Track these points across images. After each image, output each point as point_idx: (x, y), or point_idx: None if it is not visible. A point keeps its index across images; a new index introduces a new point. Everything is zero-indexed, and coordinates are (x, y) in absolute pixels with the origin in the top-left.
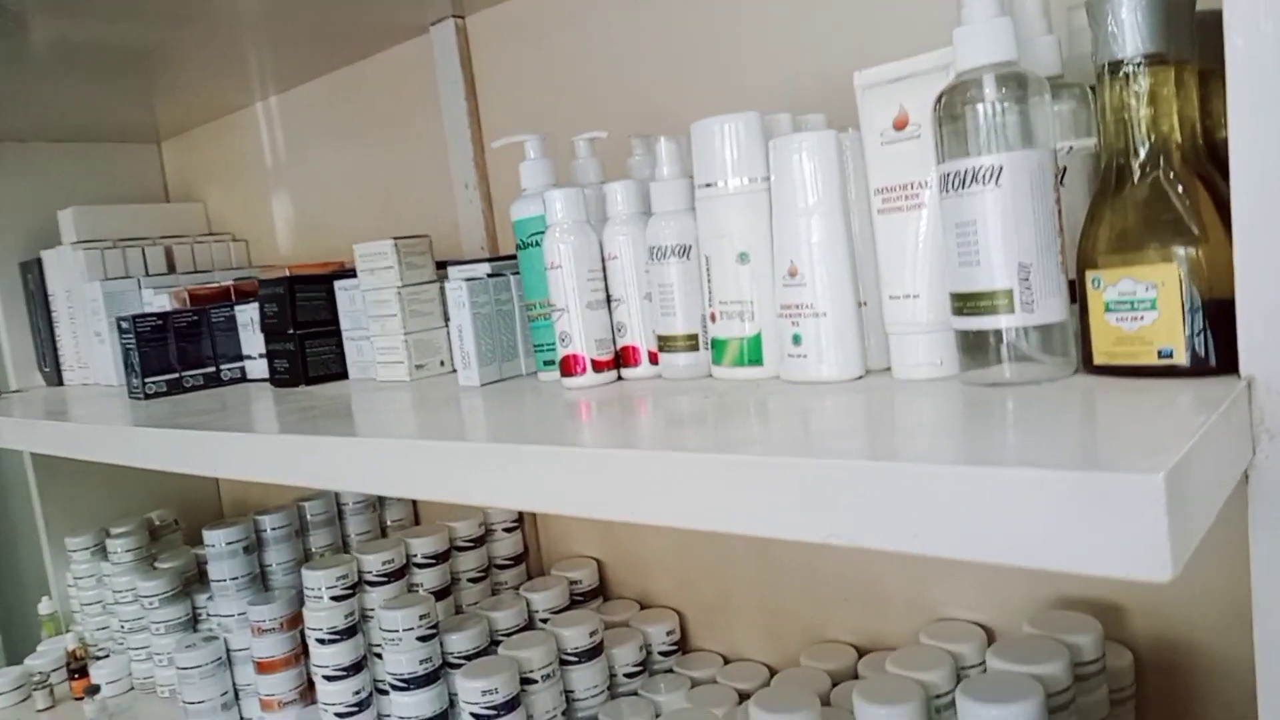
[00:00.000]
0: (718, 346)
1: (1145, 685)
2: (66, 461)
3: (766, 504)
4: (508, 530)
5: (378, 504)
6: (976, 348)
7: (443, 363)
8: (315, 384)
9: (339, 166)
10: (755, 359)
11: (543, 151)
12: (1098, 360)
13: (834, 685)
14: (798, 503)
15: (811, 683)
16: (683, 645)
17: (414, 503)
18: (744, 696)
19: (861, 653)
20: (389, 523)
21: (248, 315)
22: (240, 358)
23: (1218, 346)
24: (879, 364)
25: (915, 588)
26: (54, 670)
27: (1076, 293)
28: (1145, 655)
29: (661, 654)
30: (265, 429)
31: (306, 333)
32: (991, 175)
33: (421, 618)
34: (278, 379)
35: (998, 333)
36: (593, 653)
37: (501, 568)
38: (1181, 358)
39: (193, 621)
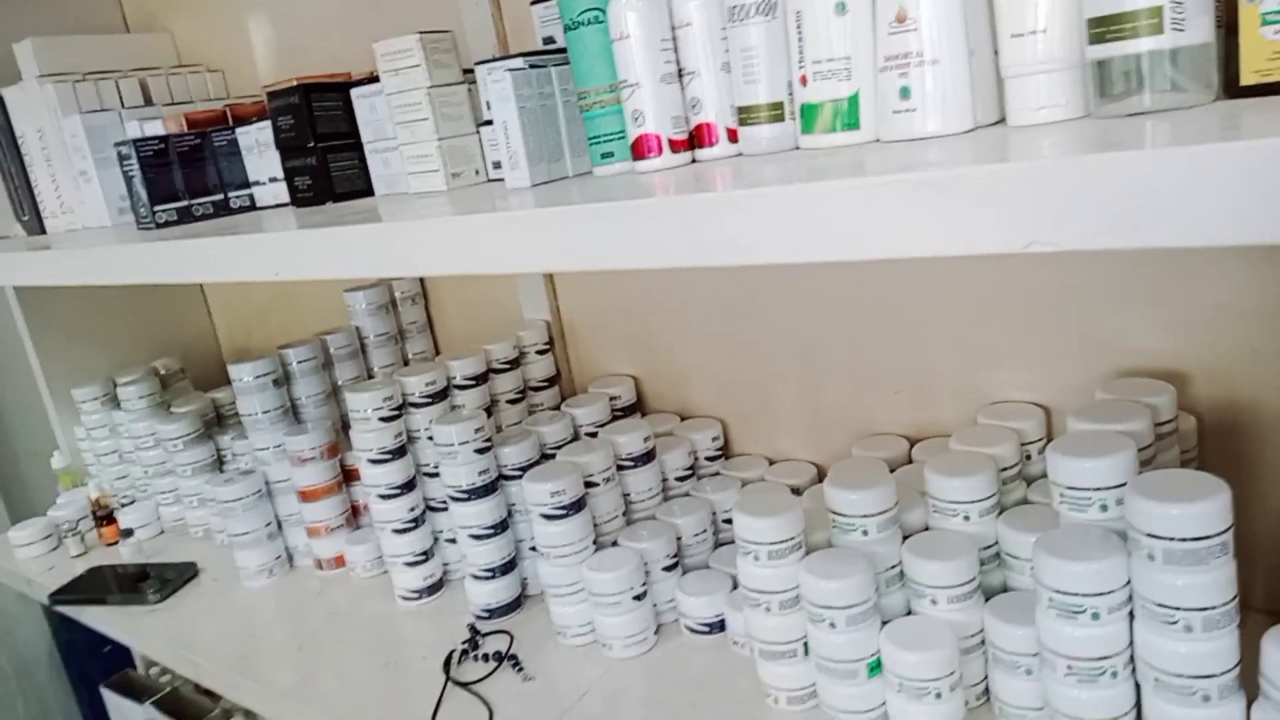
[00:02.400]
0: (808, 113)
1: (1206, 448)
2: (61, 315)
3: (961, 219)
4: (540, 353)
5: (399, 337)
6: (1115, 76)
7: (477, 171)
8: (342, 200)
9: None
10: (852, 123)
11: None
12: (1246, 80)
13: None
14: (994, 214)
15: (874, 466)
16: (726, 452)
17: (433, 336)
18: (796, 490)
19: (913, 443)
20: (411, 356)
21: (251, 138)
22: (247, 184)
23: None
24: (989, 118)
25: (965, 375)
26: (80, 520)
27: (1222, 18)
28: (1207, 419)
29: (708, 459)
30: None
31: (328, 145)
32: None
33: (476, 431)
34: (300, 198)
35: (1141, 57)
36: (647, 457)
37: (536, 389)
38: None
39: (218, 462)
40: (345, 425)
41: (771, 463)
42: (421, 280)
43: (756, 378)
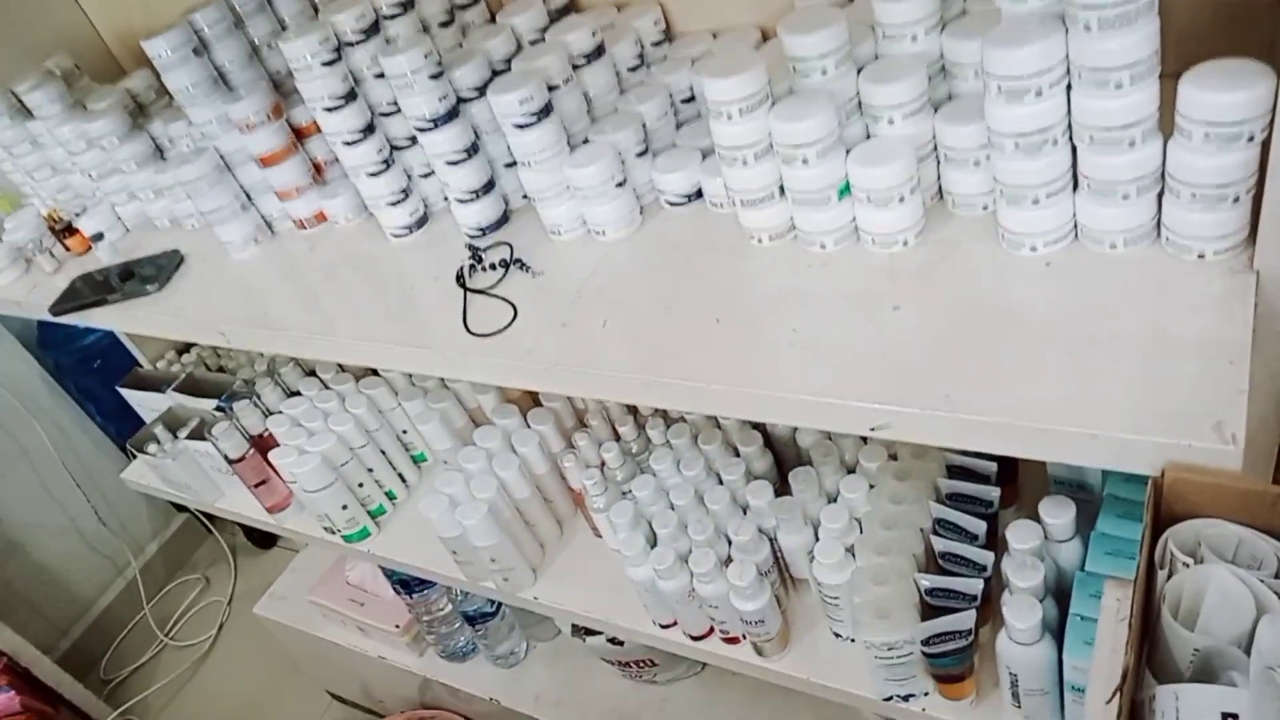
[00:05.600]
0: None
1: None
2: None
3: None
4: None
5: None
6: None
7: None
8: None
9: None
10: None
11: None
12: None
13: None
14: None
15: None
16: (669, 34)
17: None
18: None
19: None
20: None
21: None
22: None
23: None
24: None
25: None
26: (40, 238)
27: None
28: None
29: (654, 45)
30: None
31: None
32: None
33: (426, 56)
34: None
35: None
36: (598, 52)
37: (463, 7)
38: None
39: (159, 151)
40: (276, 84)
41: (715, 36)
42: None
43: None
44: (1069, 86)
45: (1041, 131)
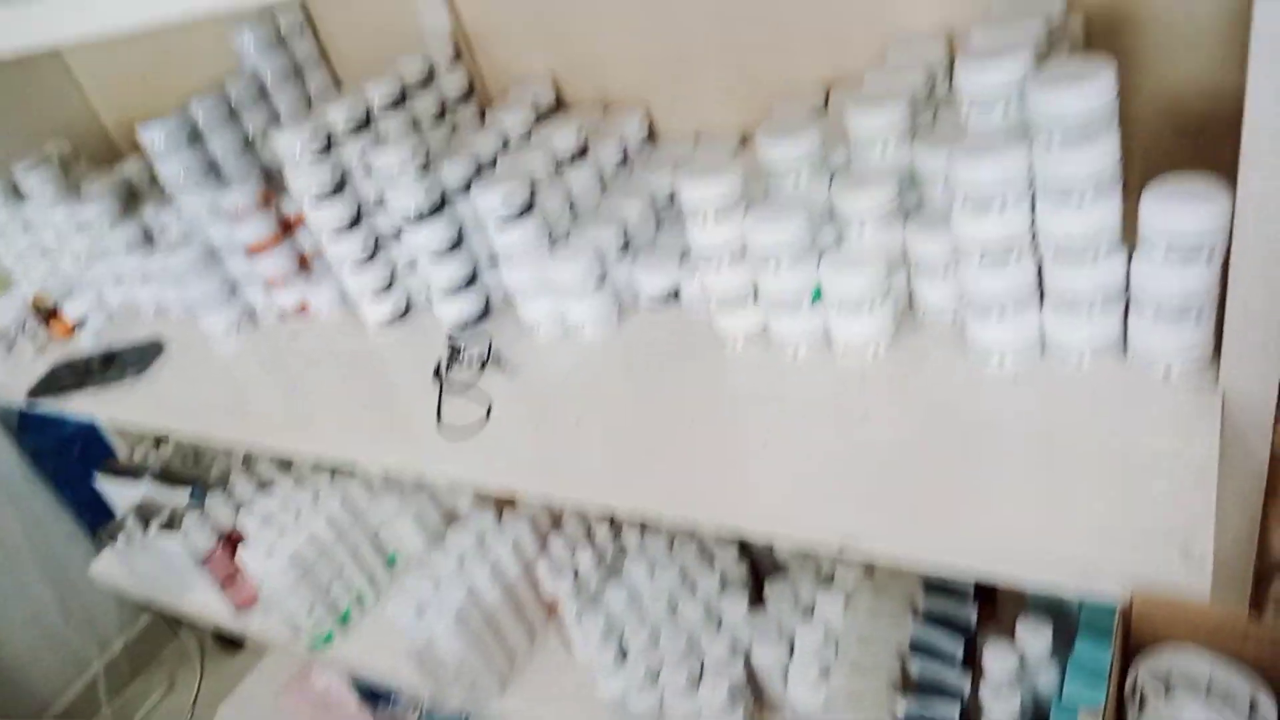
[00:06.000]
0: None
1: (1093, 45)
2: None
3: None
4: (450, 66)
5: (297, 73)
6: None
7: None
8: None
9: None
10: None
11: None
12: None
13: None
14: None
15: (797, 118)
16: (653, 134)
17: (330, 68)
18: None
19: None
20: (314, 95)
21: None
22: None
23: None
24: None
25: (872, 10)
26: (24, 322)
27: None
28: (1093, 17)
29: (638, 146)
30: None
31: None
32: None
33: (414, 151)
34: None
35: None
36: (581, 153)
37: (455, 105)
38: None
39: (148, 237)
40: (268, 174)
41: (698, 138)
42: (304, 8)
43: (675, 52)
44: (1034, 200)
45: (1006, 243)
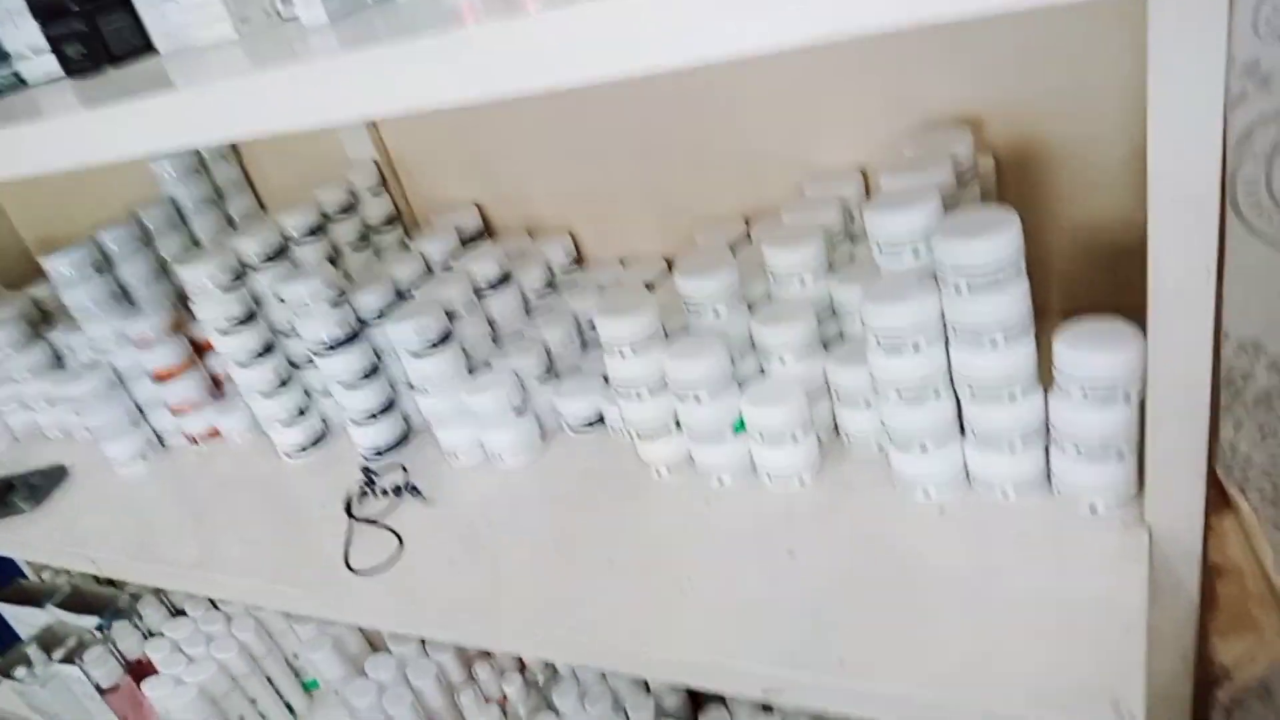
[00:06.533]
0: None
1: (1005, 182)
2: None
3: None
4: (374, 193)
5: (219, 198)
6: None
7: (268, 12)
8: (123, 63)
9: None
10: None
11: None
12: None
13: (733, 252)
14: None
15: (715, 251)
16: (580, 259)
17: (255, 192)
18: (649, 286)
19: (750, 221)
20: (237, 218)
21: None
22: (6, 58)
23: None
24: None
25: (790, 149)
26: None
27: None
28: (1004, 156)
29: (564, 270)
30: (72, 107)
31: (94, 5)
32: None
33: (326, 284)
34: (74, 68)
35: None
36: (503, 280)
37: (378, 231)
38: None
39: (58, 359)
40: (183, 297)
41: (624, 263)
42: None
43: (600, 182)
44: (947, 339)
45: (923, 382)
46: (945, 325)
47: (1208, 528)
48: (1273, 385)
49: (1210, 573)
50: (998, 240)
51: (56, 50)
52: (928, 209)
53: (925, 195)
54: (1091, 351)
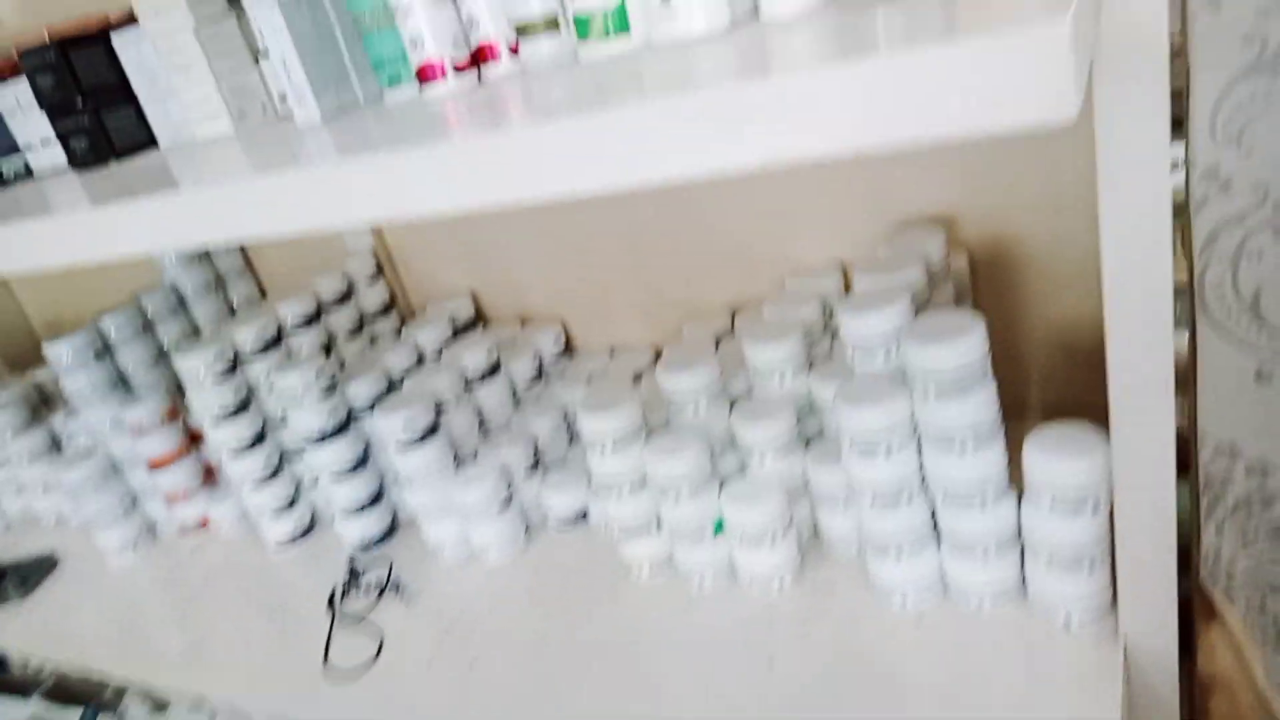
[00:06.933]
0: (581, 23)
1: (979, 280)
2: None
3: (703, 140)
4: (371, 281)
5: (219, 283)
6: None
7: (264, 107)
8: (125, 157)
9: None
10: (622, 27)
11: None
12: None
13: (717, 345)
14: (735, 134)
15: (699, 345)
16: (570, 348)
17: (255, 277)
18: (637, 376)
19: (735, 313)
20: (236, 303)
21: (11, 99)
22: (16, 149)
23: None
24: (744, 7)
25: (773, 245)
26: None
27: None
28: (978, 255)
29: (553, 360)
30: (79, 204)
31: (100, 101)
32: None
33: (318, 375)
34: (79, 161)
35: None
36: (492, 370)
37: (374, 318)
38: None
39: (55, 444)
40: (180, 385)
41: (613, 352)
42: None
43: (590, 274)
44: (919, 442)
45: (897, 485)
46: (917, 430)
47: (1195, 639)
48: (1253, 489)
49: (1201, 687)
50: (962, 345)
51: (64, 143)
52: (898, 311)
53: (896, 298)
54: (1059, 459)
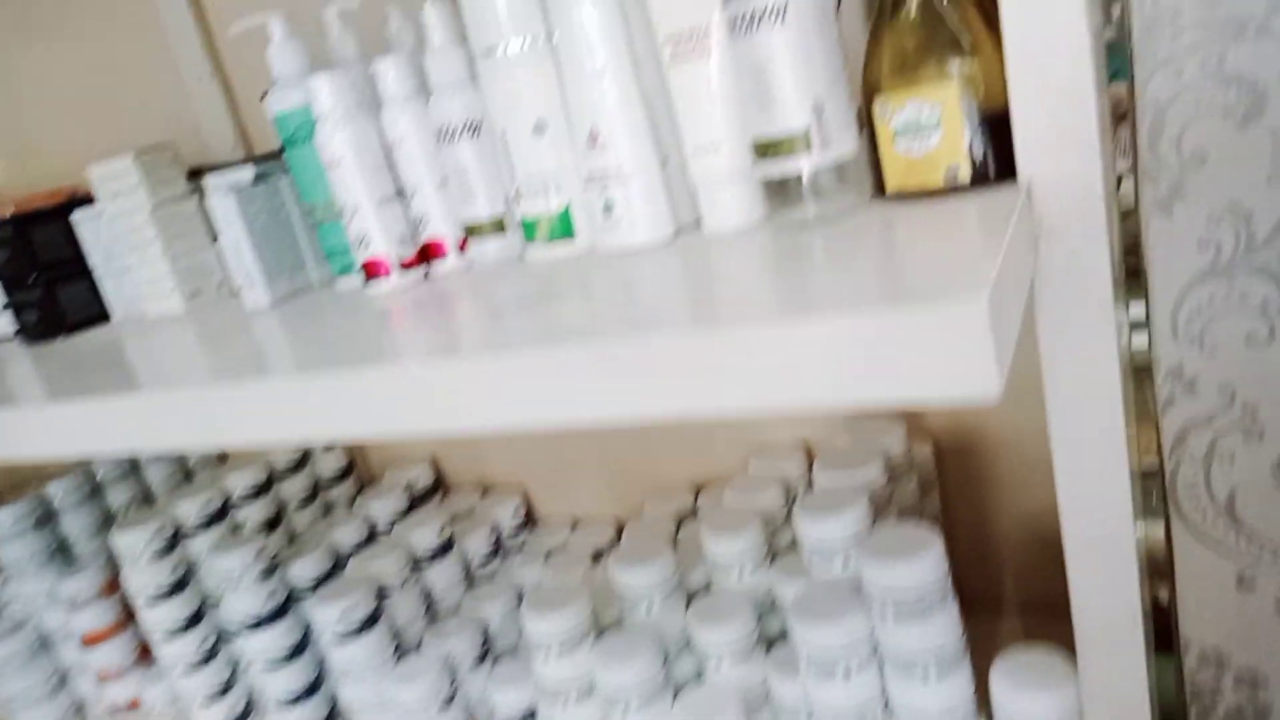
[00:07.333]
0: (528, 226)
1: (945, 470)
2: None
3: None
4: (328, 447)
5: None
6: (779, 191)
7: (219, 285)
8: (76, 332)
9: (40, 71)
10: (566, 232)
11: (290, 31)
12: (890, 190)
13: (678, 525)
14: (633, 386)
15: (658, 529)
16: (531, 518)
17: None
18: (597, 553)
19: (698, 490)
20: (192, 462)
21: None
22: None
23: (996, 157)
24: (689, 217)
25: (737, 422)
26: None
27: (863, 123)
28: (943, 443)
29: (512, 533)
30: (29, 396)
31: (54, 275)
32: (778, 14)
33: (256, 555)
34: (31, 334)
35: (798, 175)
36: (445, 549)
37: (330, 485)
38: (965, 174)
39: None
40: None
41: (575, 524)
42: None
43: (553, 444)
44: (880, 662)
45: (858, 711)
46: (877, 652)
47: None
48: (1243, 701)
49: None
50: (920, 564)
51: (15, 313)
52: (855, 518)
53: (854, 500)
54: (1026, 693)
